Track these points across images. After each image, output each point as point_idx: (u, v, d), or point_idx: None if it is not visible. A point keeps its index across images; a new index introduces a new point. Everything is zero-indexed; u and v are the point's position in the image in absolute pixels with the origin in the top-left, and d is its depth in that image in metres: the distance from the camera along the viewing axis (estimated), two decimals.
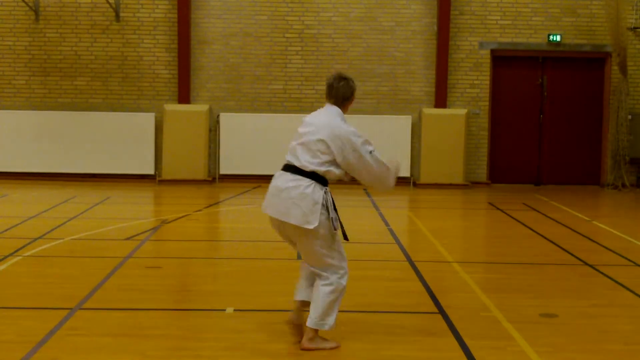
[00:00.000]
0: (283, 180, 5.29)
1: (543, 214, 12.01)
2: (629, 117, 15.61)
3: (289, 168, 5.31)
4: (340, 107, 5.47)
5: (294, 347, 5.41)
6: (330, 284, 5.31)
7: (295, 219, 5.20)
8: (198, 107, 15.35)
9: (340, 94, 5.47)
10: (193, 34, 15.54)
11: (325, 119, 5.39)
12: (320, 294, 5.30)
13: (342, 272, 5.35)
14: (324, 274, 5.32)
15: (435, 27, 15.58)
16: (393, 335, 5.71)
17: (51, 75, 15.61)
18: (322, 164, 5.26)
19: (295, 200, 5.19)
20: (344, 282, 5.34)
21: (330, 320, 5.32)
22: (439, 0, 15.44)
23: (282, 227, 5.35)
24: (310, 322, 5.31)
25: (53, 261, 8.15)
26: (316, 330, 5.32)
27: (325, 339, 5.39)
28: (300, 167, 5.27)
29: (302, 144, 5.33)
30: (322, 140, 5.27)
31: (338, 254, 5.33)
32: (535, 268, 8.24)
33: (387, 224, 10.82)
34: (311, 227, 5.18)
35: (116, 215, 11.22)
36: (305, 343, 5.32)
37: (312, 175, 5.25)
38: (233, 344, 5.46)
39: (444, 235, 10.16)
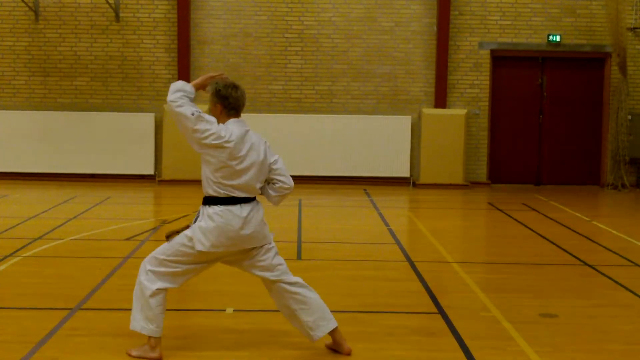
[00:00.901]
0: (245, 210, 5.08)
1: (543, 214, 12.01)
2: (629, 117, 15.61)
3: (246, 200, 5.12)
4: None
5: (294, 347, 5.41)
6: (306, 284, 5.36)
7: (269, 237, 5.27)
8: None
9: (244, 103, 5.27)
10: (193, 34, 15.54)
11: (262, 147, 5.21)
12: (317, 297, 5.31)
13: None
14: (294, 277, 5.33)
15: (435, 28, 15.58)
16: (393, 335, 5.71)
17: (51, 76, 15.61)
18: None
19: (262, 221, 5.19)
20: None
21: None
22: (439, 0, 15.44)
23: (250, 255, 5.22)
24: (334, 321, 5.32)
25: (53, 261, 8.15)
26: None
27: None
28: (255, 196, 5.22)
29: (254, 180, 5.11)
30: (277, 172, 5.28)
31: None
32: (535, 268, 8.25)
33: (386, 224, 10.82)
34: (272, 237, 5.32)
35: (116, 216, 11.22)
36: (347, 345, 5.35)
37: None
38: (233, 344, 5.46)
39: (444, 235, 10.17)
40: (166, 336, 5.48)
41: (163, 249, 5.15)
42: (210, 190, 5.07)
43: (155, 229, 10.19)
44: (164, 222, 10.70)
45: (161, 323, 5.14)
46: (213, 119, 5.07)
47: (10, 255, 8.25)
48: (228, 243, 5.07)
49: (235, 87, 5.18)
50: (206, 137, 4.98)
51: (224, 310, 6.30)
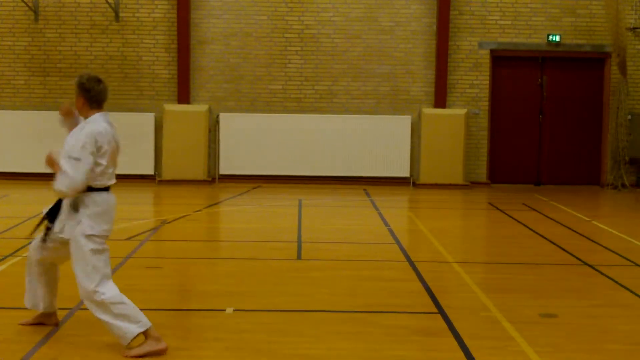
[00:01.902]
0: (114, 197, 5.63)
1: (543, 214, 12.01)
2: (629, 117, 15.61)
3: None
4: None
5: (293, 347, 5.41)
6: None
7: None
8: (198, 107, 15.35)
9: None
10: (193, 34, 15.54)
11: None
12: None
13: None
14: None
15: (435, 27, 15.58)
16: (393, 335, 5.71)
17: (51, 76, 15.61)
18: None
19: None
20: None
21: None
22: (439, 0, 15.44)
23: None
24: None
25: None
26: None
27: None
28: None
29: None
30: None
31: None
32: (535, 268, 8.25)
33: (387, 224, 10.82)
34: None
35: (116, 216, 11.17)
36: None
37: None
38: (233, 344, 5.46)
39: (444, 235, 10.16)
40: (166, 336, 5.47)
41: (84, 273, 5.33)
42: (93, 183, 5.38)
43: (155, 229, 10.19)
44: (164, 222, 10.69)
45: (143, 315, 5.25)
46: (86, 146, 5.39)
47: (10, 255, 8.24)
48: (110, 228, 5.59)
49: (98, 80, 5.46)
50: (99, 150, 5.44)
51: (224, 310, 6.30)
